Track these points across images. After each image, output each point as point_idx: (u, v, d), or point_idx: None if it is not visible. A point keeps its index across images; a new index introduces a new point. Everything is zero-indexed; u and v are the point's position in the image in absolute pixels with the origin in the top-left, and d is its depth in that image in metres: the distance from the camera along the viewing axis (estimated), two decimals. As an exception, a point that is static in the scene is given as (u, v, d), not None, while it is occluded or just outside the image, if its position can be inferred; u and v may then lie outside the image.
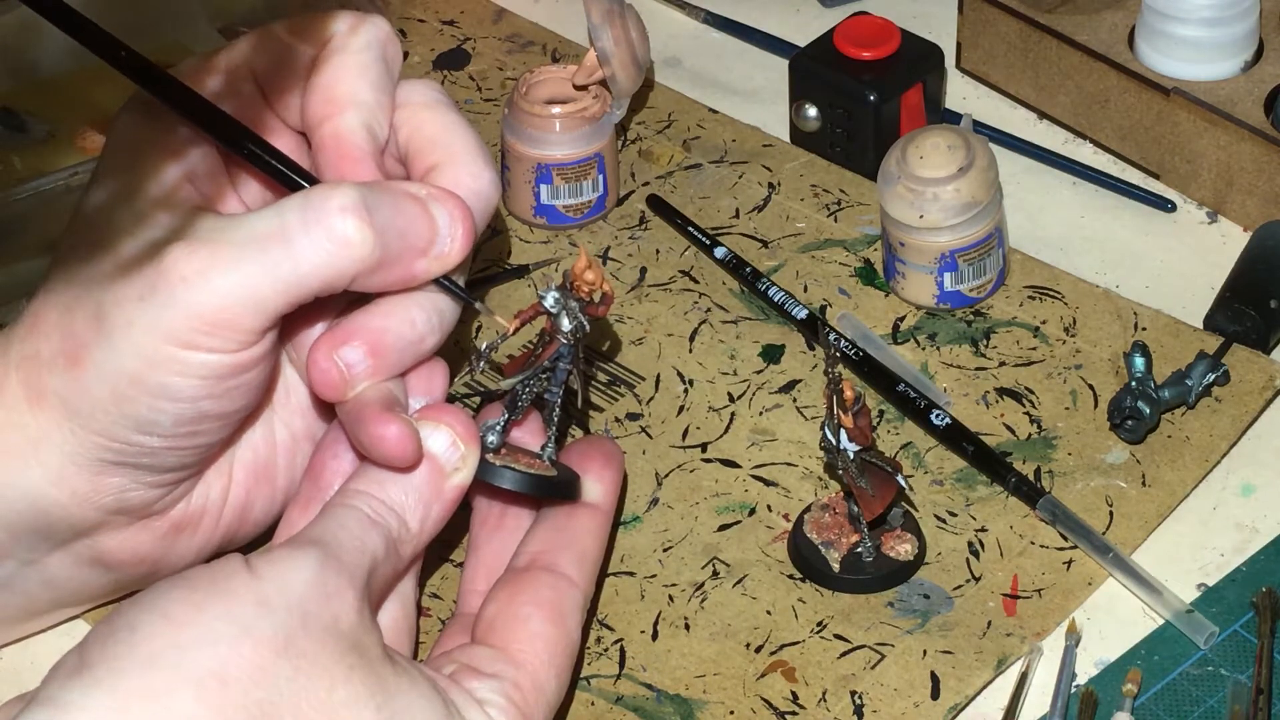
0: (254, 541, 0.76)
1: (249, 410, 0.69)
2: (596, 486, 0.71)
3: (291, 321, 0.70)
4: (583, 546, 0.70)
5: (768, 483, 0.80)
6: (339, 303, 0.70)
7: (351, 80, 0.70)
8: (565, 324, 0.70)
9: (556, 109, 0.90)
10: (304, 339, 0.71)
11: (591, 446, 0.73)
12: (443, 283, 0.69)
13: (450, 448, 0.67)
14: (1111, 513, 0.78)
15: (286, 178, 0.69)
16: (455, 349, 0.86)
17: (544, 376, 0.71)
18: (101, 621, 0.59)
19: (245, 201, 0.72)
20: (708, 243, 0.90)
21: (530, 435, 0.73)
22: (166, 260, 0.65)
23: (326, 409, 0.72)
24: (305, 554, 0.61)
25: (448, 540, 0.78)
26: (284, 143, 0.72)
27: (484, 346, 0.71)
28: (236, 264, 0.64)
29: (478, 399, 0.84)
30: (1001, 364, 0.84)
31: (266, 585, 0.59)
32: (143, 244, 0.66)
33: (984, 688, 0.72)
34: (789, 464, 0.81)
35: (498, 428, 0.71)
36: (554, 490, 0.70)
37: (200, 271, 0.64)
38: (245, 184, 0.72)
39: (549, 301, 0.70)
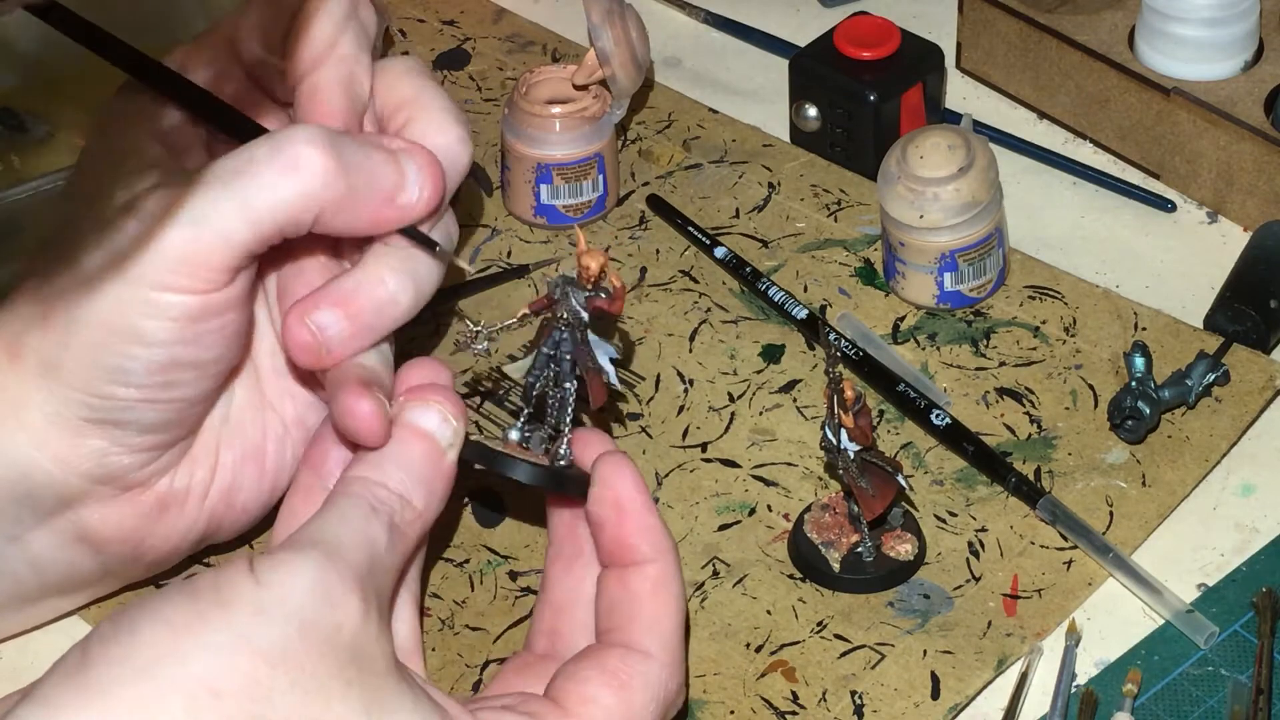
0: (247, 535, 0.76)
1: (225, 363, 0.69)
2: (645, 542, 0.67)
3: (281, 295, 0.70)
4: (650, 613, 0.66)
5: (768, 482, 0.80)
6: (323, 277, 0.70)
7: (326, 36, 0.72)
8: (563, 312, 0.69)
9: (556, 109, 0.90)
10: None
11: (633, 519, 0.68)
12: (409, 232, 0.69)
13: (442, 423, 0.67)
14: (1111, 513, 0.78)
15: (254, 132, 0.70)
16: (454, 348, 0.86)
17: (552, 369, 0.70)
18: (108, 619, 0.59)
19: None
20: (708, 243, 0.90)
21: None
22: (135, 204, 0.66)
23: (313, 385, 0.72)
24: (305, 557, 0.60)
25: (444, 538, 0.78)
26: (274, 120, 0.73)
27: (483, 326, 0.70)
28: (203, 199, 0.65)
29: (478, 398, 0.84)
30: (1001, 364, 0.84)
31: (266, 593, 0.59)
32: (119, 203, 0.67)
33: (984, 688, 0.72)
34: (789, 464, 0.81)
35: (519, 424, 0.70)
36: (564, 484, 0.69)
37: (168, 209, 0.65)
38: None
39: (554, 285, 0.69)
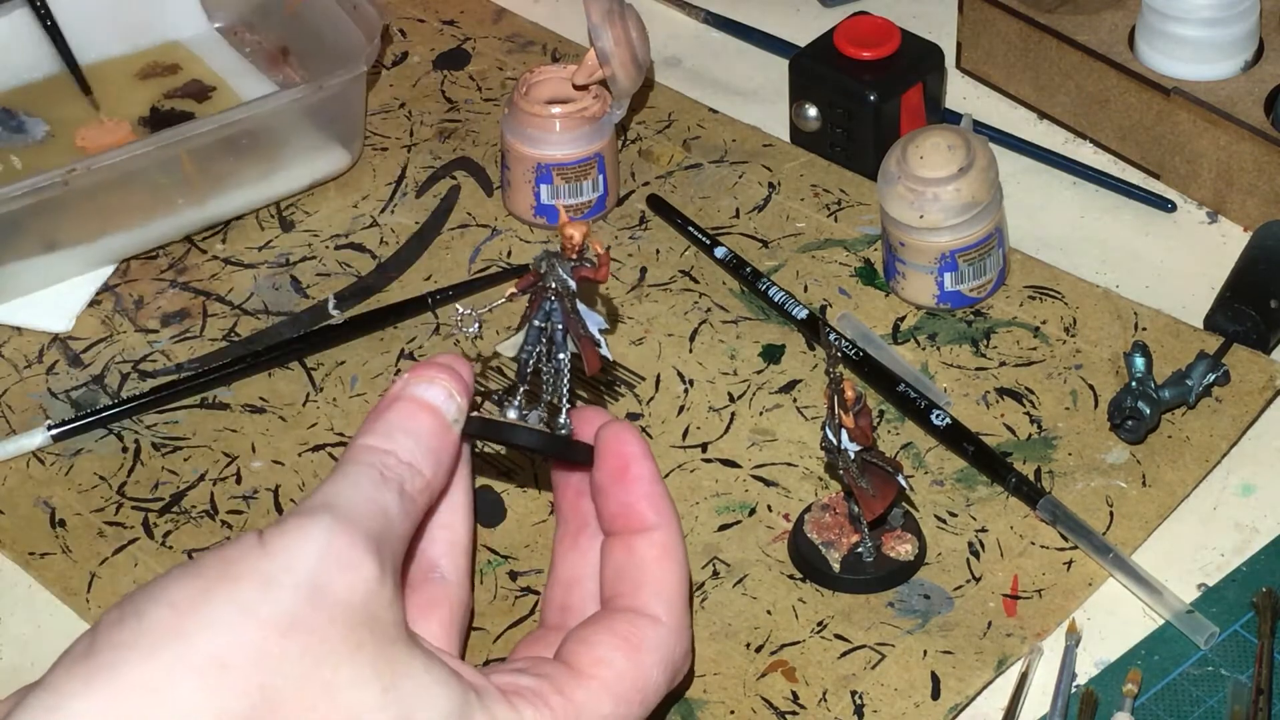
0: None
1: None
2: (651, 508, 0.68)
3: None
4: (657, 578, 0.67)
5: (768, 483, 0.80)
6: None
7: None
8: (551, 282, 0.69)
9: (556, 109, 0.90)
10: None
11: (639, 485, 0.69)
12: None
13: (448, 399, 0.67)
14: (1111, 513, 0.78)
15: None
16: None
17: (544, 342, 0.70)
18: (114, 606, 0.59)
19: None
20: (708, 243, 0.90)
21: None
22: None
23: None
24: (314, 522, 0.60)
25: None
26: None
27: (472, 309, 0.70)
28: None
29: (478, 398, 0.84)
30: (1001, 364, 0.84)
31: (274, 562, 0.58)
32: None
33: (984, 688, 0.72)
34: (789, 464, 0.81)
35: (516, 400, 0.70)
36: (572, 450, 0.69)
37: None
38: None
39: (538, 260, 0.69)
